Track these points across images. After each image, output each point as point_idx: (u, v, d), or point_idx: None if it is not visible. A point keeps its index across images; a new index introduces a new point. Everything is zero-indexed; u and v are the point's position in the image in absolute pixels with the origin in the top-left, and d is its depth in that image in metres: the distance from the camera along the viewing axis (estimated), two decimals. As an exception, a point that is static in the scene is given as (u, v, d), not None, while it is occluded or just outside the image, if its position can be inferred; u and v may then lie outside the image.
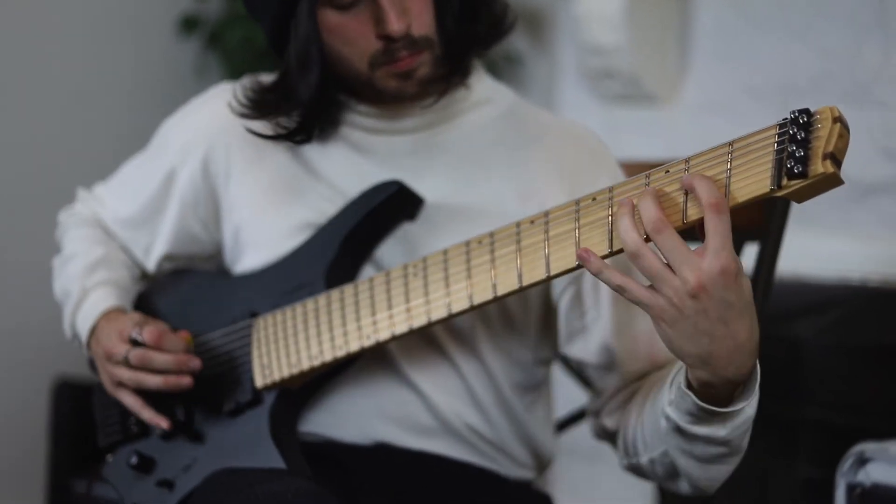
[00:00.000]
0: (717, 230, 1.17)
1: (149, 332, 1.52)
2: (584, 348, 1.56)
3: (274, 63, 1.59)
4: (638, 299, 1.23)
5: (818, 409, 2.45)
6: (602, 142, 1.63)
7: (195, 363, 1.53)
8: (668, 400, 1.33)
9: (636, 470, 1.50)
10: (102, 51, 3.17)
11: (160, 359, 1.52)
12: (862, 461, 1.80)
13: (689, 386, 1.29)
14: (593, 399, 1.60)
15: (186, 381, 1.53)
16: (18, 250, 2.94)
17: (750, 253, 1.78)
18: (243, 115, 1.57)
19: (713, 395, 1.27)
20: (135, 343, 1.53)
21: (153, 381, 1.53)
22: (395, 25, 1.44)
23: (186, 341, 1.55)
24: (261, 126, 1.57)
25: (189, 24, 3.29)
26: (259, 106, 1.56)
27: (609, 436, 1.57)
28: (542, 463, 1.68)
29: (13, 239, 2.96)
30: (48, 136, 3.05)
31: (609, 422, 1.55)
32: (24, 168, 3.00)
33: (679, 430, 1.33)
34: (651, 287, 1.22)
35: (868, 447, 1.81)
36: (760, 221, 1.73)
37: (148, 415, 1.56)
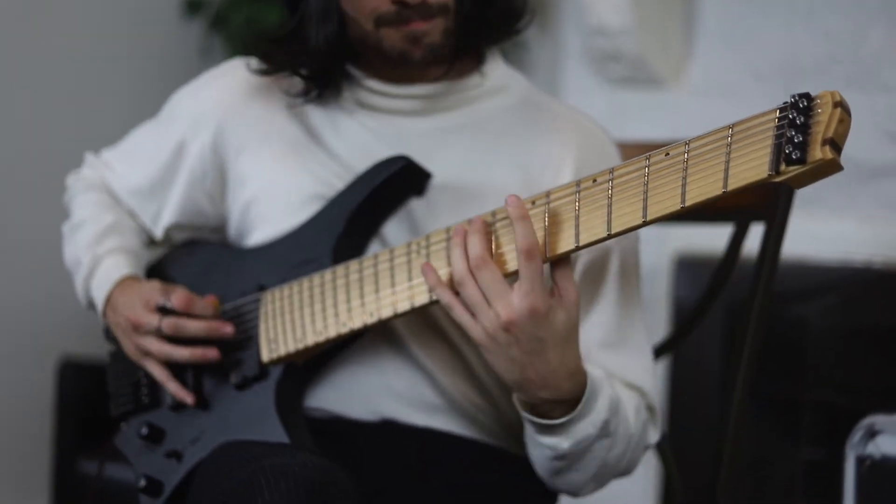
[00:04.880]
0: (527, 274, 1.30)
1: (177, 298, 1.53)
2: None
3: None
4: (461, 322, 1.35)
5: (821, 391, 2.46)
6: (610, 138, 1.64)
7: (227, 329, 1.54)
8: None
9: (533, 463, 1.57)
10: (107, 31, 3.17)
11: (192, 326, 1.53)
12: (872, 434, 1.80)
13: (519, 399, 1.43)
14: None
15: (213, 353, 1.54)
16: (22, 231, 2.94)
17: (756, 233, 1.78)
18: (263, 73, 1.60)
19: (542, 410, 1.41)
20: (164, 311, 1.54)
21: (181, 353, 1.54)
22: None
23: (214, 306, 1.56)
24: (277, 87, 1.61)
25: (193, 6, 3.29)
26: (272, 59, 1.59)
27: None
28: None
29: (16, 220, 2.96)
30: (52, 117, 3.05)
31: None
32: (26, 149, 2.99)
33: (529, 436, 1.47)
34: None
35: (878, 420, 1.81)
36: (767, 202, 1.73)
37: (174, 387, 1.57)
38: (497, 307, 1.31)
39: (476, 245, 1.33)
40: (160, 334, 1.54)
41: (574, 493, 1.55)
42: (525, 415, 1.42)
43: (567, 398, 1.39)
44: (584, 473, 1.48)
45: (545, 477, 1.53)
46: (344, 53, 1.56)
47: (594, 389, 1.41)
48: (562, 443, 1.42)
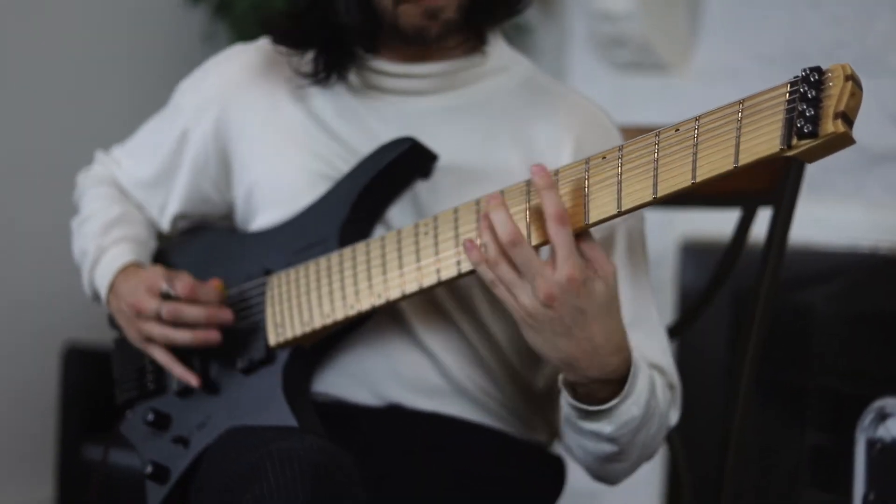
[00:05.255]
0: (561, 241, 1.26)
1: (181, 285, 1.53)
2: None
3: None
4: (503, 299, 1.31)
5: (827, 377, 2.46)
6: (611, 120, 1.63)
7: (226, 315, 1.54)
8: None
9: (568, 451, 1.54)
10: (109, 18, 3.16)
11: (192, 312, 1.53)
12: (882, 417, 1.80)
13: (566, 383, 1.38)
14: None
15: (215, 336, 1.53)
16: (29, 219, 2.94)
17: (763, 217, 1.78)
18: (284, 47, 1.59)
19: (588, 392, 1.36)
20: (166, 297, 1.54)
21: (182, 337, 1.54)
22: None
23: (218, 289, 1.56)
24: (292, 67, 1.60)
25: (198, -8, 3.27)
26: (294, 35, 1.58)
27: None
28: (553, 428, 1.68)
29: (24, 208, 2.96)
30: (55, 107, 3.04)
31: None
32: (34, 138, 2.99)
33: (570, 423, 1.42)
34: None
35: (889, 402, 1.81)
36: (774, 185, 1.72)
37: (178, 371, 1.57)
38: (536, 283, 1.27)
39: (503, 221, 1.29)
40: (160, 319, 1.54)
41: (613, 482, 1.53)
42: (571, 401, 1.38)
43: (614, 377, 1.35)
44: (627, 460, 1.46)
45: (587, 466, 1.51)
46: (373, 24, 1.54)
47: (637, 368, 1.38)
48: (604, 427, 1.39)
